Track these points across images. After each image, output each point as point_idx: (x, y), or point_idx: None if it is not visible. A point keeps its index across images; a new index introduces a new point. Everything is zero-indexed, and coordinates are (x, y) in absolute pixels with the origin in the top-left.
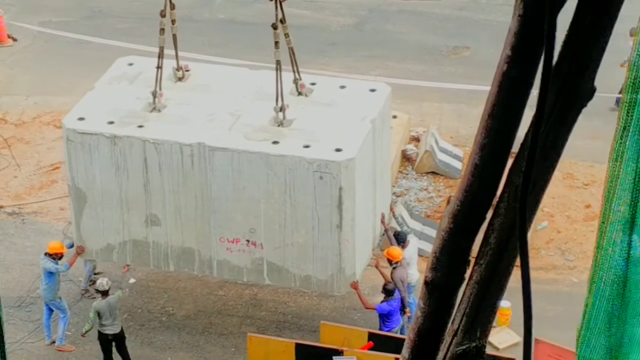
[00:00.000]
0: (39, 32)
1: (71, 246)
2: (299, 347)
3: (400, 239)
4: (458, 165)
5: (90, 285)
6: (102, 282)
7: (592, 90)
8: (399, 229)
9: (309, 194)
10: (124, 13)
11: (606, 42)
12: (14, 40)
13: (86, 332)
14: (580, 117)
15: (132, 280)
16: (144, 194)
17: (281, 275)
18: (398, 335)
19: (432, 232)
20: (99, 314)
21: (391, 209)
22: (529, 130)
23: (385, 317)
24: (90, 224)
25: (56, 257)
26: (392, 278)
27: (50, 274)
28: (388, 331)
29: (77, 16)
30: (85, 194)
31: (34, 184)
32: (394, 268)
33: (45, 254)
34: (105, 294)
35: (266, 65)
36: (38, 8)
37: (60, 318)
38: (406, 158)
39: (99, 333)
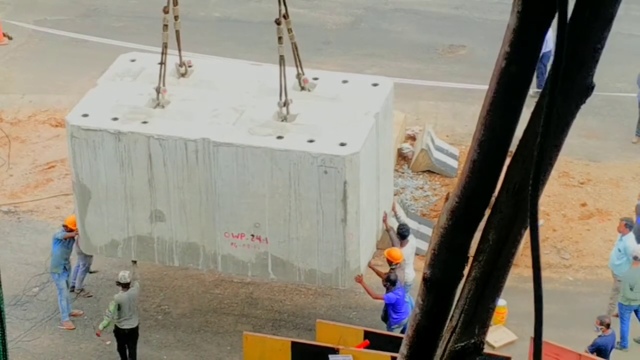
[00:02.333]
0: (34, 30)
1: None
2: (295, 346)
3: (403, 234)
4: (454, 163)
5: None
6: (125, 275)
7: (591, 87)
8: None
9: (313, 189)
10: (119, 12)
11: (605, 39)
12: (10, 38)
13: (104, 328)
14: (576, 116)
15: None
16: (149, 190)
17: (286, 269)
18: (393, 333)
19: (428, 231)
20: (119, 307)
21: (393, 207)
22: (527, 128)
23: (393, 308)
24: (95, 220)
25: (68, 230)
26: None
27: (56, 241)
28: (398, 321)
29: (73, 15)
30: (89, 191)
31: (30, 182)
32: (392, 269)
33: (63, 225)
34: (126, 286)
35: (263, 63)
36: (33, 6)
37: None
38: (402, 157)
39: (116, 328)
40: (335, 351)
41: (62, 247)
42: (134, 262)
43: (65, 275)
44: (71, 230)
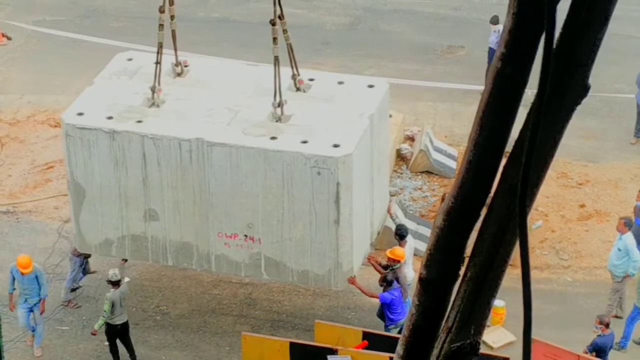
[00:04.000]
0: (33, 30)
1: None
2: (294, 346)
3: (402, 235)
4: (452, 164)
5: (72, 290)
6: (115, 272)
7: (587, 88)
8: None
9: (306, 189)
10: (118, 12)
11: (601, 39)
12: (9, 39)
13: (100, 327)
14: (574, 117)
15: (126, 279)
16: (143, 189)
17: (279, 270)
18: (392, 334)
19: (427, 232)
20: (112, 305)
21: (388, 209)
22: (523, 127)
23: (389, 308)
24: (89, 219)
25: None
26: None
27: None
28: (395, 322)
29: (72, 15)
30: (84, 189)
31: (29, 182)
32: (392, 269)
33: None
34: (117, 284)
35: (261, 64)
36: (32, 7)
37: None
38: (401, 157)
39: (108, 325)
40: (333, 352)
41: (18, 282)
42: (125, 260)
43: (26, 305)
44: (24, 273)
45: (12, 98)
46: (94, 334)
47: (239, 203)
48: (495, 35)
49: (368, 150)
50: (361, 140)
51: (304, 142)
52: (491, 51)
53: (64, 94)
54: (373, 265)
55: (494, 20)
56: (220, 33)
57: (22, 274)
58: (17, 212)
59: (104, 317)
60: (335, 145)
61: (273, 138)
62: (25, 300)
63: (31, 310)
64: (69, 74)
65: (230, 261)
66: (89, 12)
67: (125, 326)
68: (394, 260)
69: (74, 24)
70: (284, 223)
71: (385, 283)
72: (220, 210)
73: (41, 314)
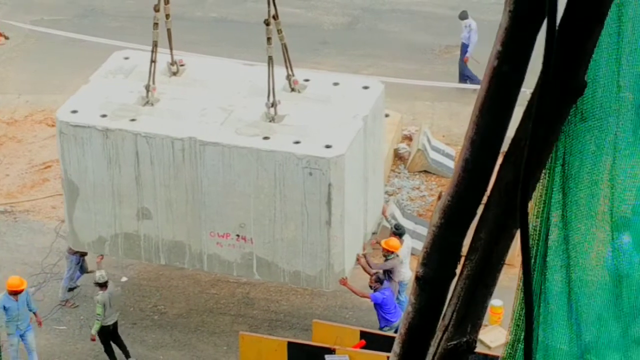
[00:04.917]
0: (31, 30)
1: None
2: (291, 346)
3: (399, 233)
4: (450, 164)
5: (69, 290)
6: (102, 274)
7: (583, 86)
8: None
9: (298, 190)
10: (116, 12)
11: (597, 38)
12: (6, 38)
13: (97, 331)
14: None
15: (124, 279)
16: (136, 187)
17: (270, 270)
18: (390, 334)
19: (425, 231)
20: (104, 307)
21: (383, 211)
22: (518, 127)
23: (381, 308)
24: (83, 217)
25: (12, 294)
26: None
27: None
28: (390, 323)
29: (70, 14)
30: (77, 187)
31: (26, 182)
32: (388, 259)
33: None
34: (104, 285)
35: (258, 64)
36: (30, 6)
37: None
38: (398, 157)
39: (100, 327)
40: (331, 351)
41: (12, 310)
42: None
43: (18, 332)
44: (15, 293)
45: (10, 97)
46: (93, 340)
47: (231, 203)
48: (466, 30)
49: (361, 151)
50: (354, 142)
51: (297, 142)
52: (463, 46)
53: (61, 94)
54: (362, 265)
55: (463, 16)
56: (218, 33)
57: (18, 292)
58: (15, 212)
59: (98, 320)
60: (328, 146)
61: (266, 138)
62: (17, 327)
63: (21, 336)
64: (66, 74)
65: (222, 261)
66: (87, 11)
67: (115, 325)
68: (389, 251)
69: (72, 23)
70: (276, 223)
71: (377, 282)
72: (212, 209)
73: (40, 325)
